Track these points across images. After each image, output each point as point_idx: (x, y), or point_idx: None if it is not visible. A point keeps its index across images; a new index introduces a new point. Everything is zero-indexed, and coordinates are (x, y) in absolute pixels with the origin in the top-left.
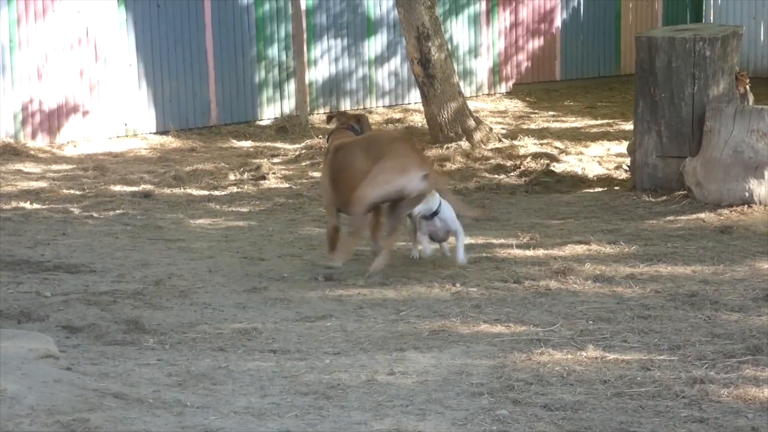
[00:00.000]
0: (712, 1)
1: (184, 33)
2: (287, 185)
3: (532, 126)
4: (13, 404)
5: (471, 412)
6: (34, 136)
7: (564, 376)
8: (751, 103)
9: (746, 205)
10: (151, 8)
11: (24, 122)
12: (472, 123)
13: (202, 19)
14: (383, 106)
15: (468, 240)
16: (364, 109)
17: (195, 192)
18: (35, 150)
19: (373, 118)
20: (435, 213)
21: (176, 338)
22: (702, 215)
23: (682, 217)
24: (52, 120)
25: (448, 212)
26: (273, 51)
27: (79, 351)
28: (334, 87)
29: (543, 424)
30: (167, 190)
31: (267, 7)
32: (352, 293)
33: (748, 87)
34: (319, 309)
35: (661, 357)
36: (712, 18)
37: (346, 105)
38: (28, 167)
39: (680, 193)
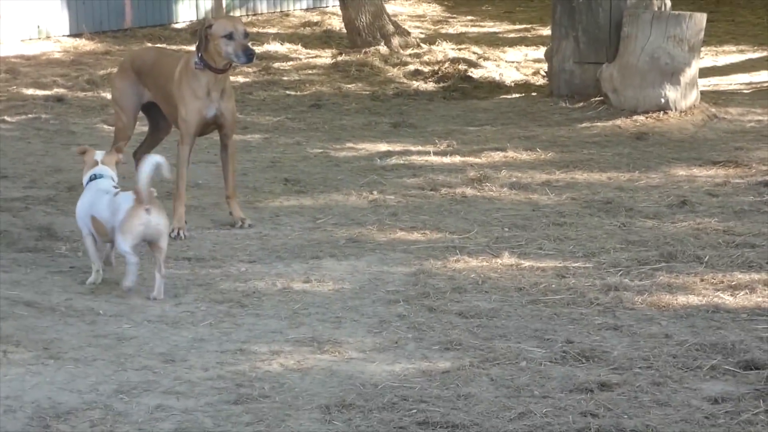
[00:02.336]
0: None
1: None
2: None
3: (450, 31)
4: None
5: (386, 319)
6: None
7: (479, 283)
8: (668, 8)
9: (662, 112)
10: None
11: None
12: (390, 27)
13: None
14: (301, 9)
15: (385, 147)
16: (281, 12)
17: (109, 96)
18: None
19: (291, 21)
20: None
21: None
22: (618, 122)
23: (598, 124)
24: None
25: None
26: None
27: None
28: None
29: (458, 332)
30: (80, 94)
31: None
32: (268, 201)
33: None
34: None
35: (576, 264)
36: None
37: (263, 8)
38: None
39: (597, 99)
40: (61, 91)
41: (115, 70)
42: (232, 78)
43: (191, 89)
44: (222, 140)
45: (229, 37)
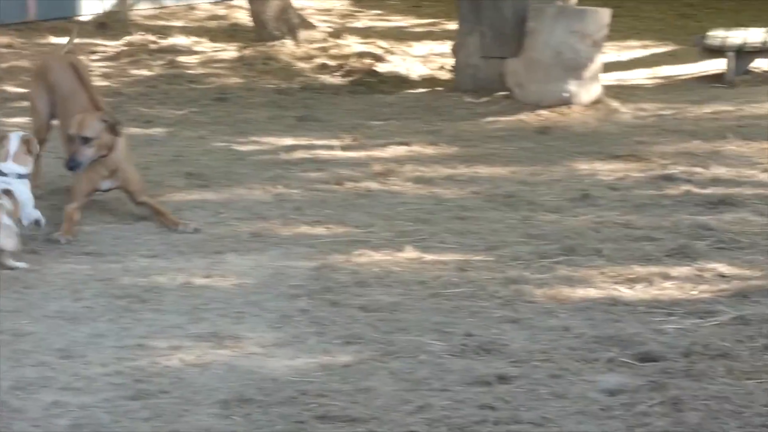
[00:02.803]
0: None
1: None
2: (106, 83)
3: (357, 25)
4: None
5: (288, 314)
6: None
7: (382, 277)
8: (572, 3)
9: (565, 106)
10: None
11: None
12: (296, 21)
13: None
14: (208, 2)
15: (290, 141)
16: (187, 5)
17: (11, 89)
18: None
19: (197, 15)
20: None
21: None
22: (522, 116)
23: (502, 118)
24: None
25: None
26: None
27: None
28: None
29: (360, 326)
30: None
31: None
32: (171, 195)
33: None
34: (135, 211)
35: (478, 258)
36: None
37: (169, 0)
38: None
39: (501, 94)
40: None
41: (14, 63)
42: (135, 71)
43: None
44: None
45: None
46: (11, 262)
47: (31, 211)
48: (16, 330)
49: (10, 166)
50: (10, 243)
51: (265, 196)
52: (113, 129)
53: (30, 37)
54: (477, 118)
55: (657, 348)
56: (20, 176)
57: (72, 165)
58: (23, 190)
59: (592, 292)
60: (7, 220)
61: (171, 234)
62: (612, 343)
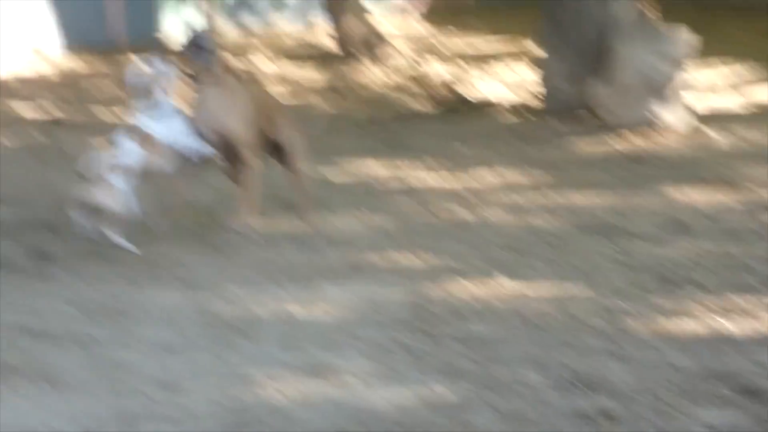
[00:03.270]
0: None
1: None
2: None
3: (442, 49)
4: None
5: (384, 345)
6: None
7: (477, 308)
8: (657, 24)
9: (652, 129)
10: None
11: None
12: (381, 45)
13: None
14: (293, 28)
15: (380, 168)
16: (271, 30)
17: (105, 118)
18: None
19: (282, 40)
20: None
21: (84, 268)
22: (611, 140)
23: (591, 143)
24: None
25: None
26: None
27: None
28: (243, 4)
29: (457, 358)
30: (76, 116)
31: None
32: (266, 223)
33: (652, 8)
34: (230, 239)
35: (574, 288)
36: None
37: (252, 25)
38: None
39: (588, 116)
40: (57, 113)
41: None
42: None
43: None
44: None
45: None
46: (117, 238)
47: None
48: (114, 359)
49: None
50: (112, 203)
51: (358, 225)
52: None
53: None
54: (566, 144)
55: (763, 383)
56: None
57: None
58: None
59: (692, 325)
60: (118, 180)
61: (267, 264)
62: (716, 378)
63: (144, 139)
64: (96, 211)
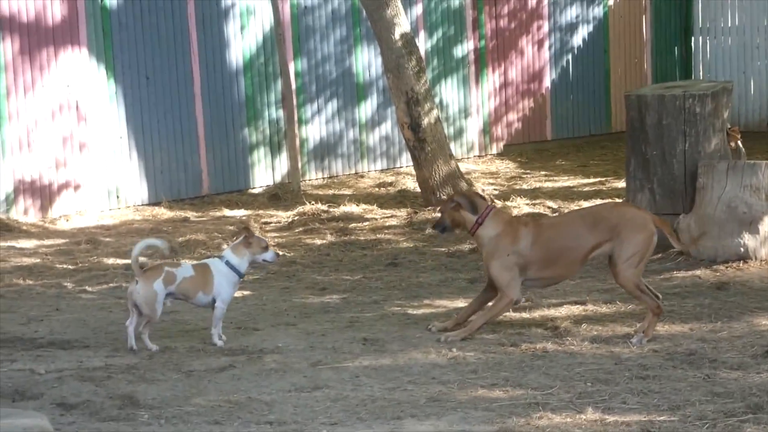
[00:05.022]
0: (701, 57)
1: (173, 103)
2: (280, 253)
3: (525, 186)
4: None
5: None
6: (26, 211)
7: None
8: (743, 158)
9: (742, 261)
10: (140, 80)
11: (16, 197)
12: (464, 185)
13: (191, 88)
14: (375, 170)
15: (463, 304)
16: (356, 173)
17: (188, 262)
18: (28, 225)
19: (365, 182)
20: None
21: (172, 412)
22: (698, 272)
23: (678, 275)
24: (44, 194)
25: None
26: (263, 119)
27: (74, 428)
28: (326, 152)
29: None
30: (161, 262)
31: (256, 75)
32: (347, 362)
33: (739, 142)
34: (314, 378)
35: (662, 418)
36: (701, 74)
37: (338, 169)
38: (21, 243)
39: (675, 250)
40: (141, 259)
41: (191, 237)
42: (308, 240)
43: None
44: None
45: None
46: (148, 342)
47: (220, 293)
48: None
49: (227, 252)
50: (146, 308)
51: (441, 360)
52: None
53: (205, 210)
54: (652, 275)
55: None
56: (228, 264)
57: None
58: (225, 275)
59: None
60: (159, 286)
61: (350, 400)
62: None
63: None
64: None
